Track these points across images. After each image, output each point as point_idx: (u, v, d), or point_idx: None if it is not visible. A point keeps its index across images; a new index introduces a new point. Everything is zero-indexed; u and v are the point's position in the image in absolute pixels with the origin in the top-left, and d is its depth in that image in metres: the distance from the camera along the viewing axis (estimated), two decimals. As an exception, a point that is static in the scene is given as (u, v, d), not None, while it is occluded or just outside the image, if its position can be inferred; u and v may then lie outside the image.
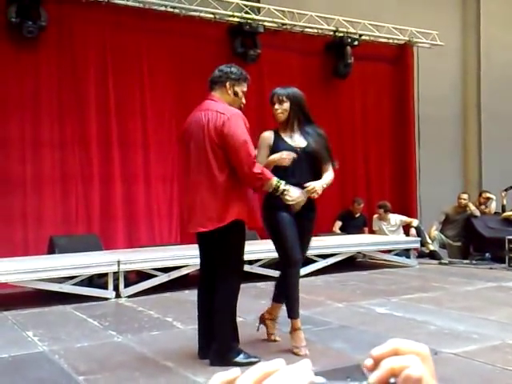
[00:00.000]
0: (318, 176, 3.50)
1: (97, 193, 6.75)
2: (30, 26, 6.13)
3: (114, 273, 5.39)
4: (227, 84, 3.36)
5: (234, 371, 0.47)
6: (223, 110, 3.24)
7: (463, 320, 4.29)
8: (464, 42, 10.44)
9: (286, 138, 3.55)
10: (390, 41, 8.93)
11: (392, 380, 0.45)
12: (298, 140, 3.54)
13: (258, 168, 3.21)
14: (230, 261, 3.36)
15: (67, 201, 6.60)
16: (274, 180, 3.27)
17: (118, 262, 5.38)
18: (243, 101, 3.45)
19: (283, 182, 3.30)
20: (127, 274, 5.60)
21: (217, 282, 3.34)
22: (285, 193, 3.30)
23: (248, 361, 3.24)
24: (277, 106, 3.54)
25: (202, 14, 7.40)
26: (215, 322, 3.31)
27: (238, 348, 3.33)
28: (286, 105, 3.53)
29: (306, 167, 3.48)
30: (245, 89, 3.43)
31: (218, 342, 3.29)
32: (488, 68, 10.22)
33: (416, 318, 4.38)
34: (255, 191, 3.40)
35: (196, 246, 6.52)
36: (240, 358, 3.27)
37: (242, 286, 5.80)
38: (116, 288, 5.40)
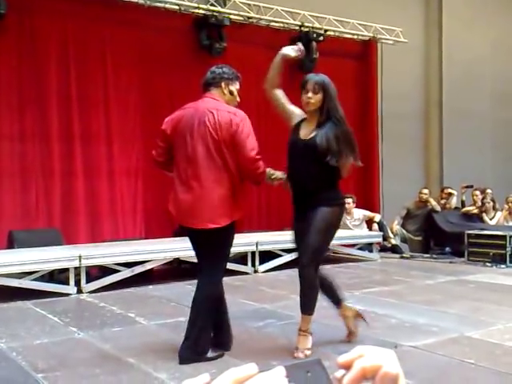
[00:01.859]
0: (325, 171, 3.39)
1: (58, 187, 6.61)
2: (-12, 13, 5.94)
3: (76, 268, 5.30)
4: (222, 84, 3.41)
5: (203, 377, 0.45)
6: (234, 110, 3.30)
7: (423, 313, 4.38)
8: (427, 40, 10.62)
9: (302, 128, 3.45)
10: (355, 37, 9.01)
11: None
12: (310, 133, 3.40)
13: (262, 167, 3.28)
14: (223, 258, 3.42)
15: (27, 195, 6.45)
16: (267, 170, 3.37)
17: (80, 256, 5.29)
18: (238, 99, 3.49)
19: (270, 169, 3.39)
20: (89, 269, 5.52)
21: (204, 278, 3.33)
22: (273, 177, 3.41)
23: (215, 355, 3.28)
24: (310, 95, 3.40)
25: (168, 6, 7.30)
26: (199, 318, 3.28)
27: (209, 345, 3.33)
28: (320, 96, 3.43)
29: (306, 161, 3.37)
30: (238, 87, 3.49)
31: (196, 338, 3.26)
32: (450, 65, 10.42)
33: (377, 312, 4.45)
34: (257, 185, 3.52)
35: (160, 240, 6.50)
36: (210, 354, 3.28)
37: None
38: (77, 283, 5.31)
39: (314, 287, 3.36)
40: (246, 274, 6.26)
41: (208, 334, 3.32)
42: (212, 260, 3.35)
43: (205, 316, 3.28)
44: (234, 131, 3.21)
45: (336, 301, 3.62)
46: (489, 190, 8.42)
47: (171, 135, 3.41)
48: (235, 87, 3.46)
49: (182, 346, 3.26)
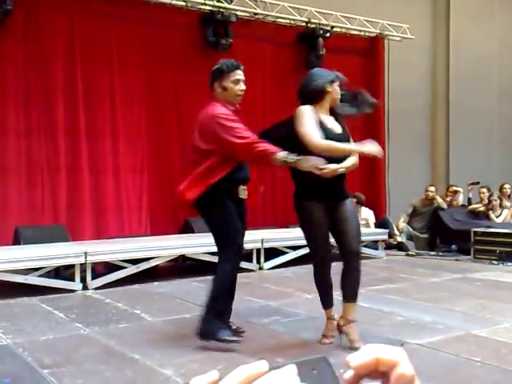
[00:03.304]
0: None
1: (64, 183, 6.62)
2: (-5, 9, 5.95)
3: (81, 264, 5.31)
4: (214, 84, 3.52)
5: (212, 374, 0.44)
6: (210, 112, 3.45)
7: (429, 311, 4.36)
8: (434, 36, 10.56)
9: (324, 120, 3.45)
10: (362, 33, 8.97)
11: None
12: (336, 127, 3.51)
13: (258, 151, 3.29)
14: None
15: (33, 191, 6.46)
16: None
17: (85, 253, 5.30)
18: (239, 88, 3.49)
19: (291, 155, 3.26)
20: (95, 265, 5.53)
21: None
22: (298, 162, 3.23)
23: (231, 339, 3.36)
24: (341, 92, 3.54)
25: (174, 2, 7.29)
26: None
27: (224, 325, 3.42)
28: None
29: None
30: (236, 77, 3.48)
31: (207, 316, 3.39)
32: (457, 62, 10.36)
33: (383, 309, 4.44)
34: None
35: (165, 237, 6.54)
36: (225, 335, 3.36)
37: (212, 277, 5.80)
38: (83, 280, 5.32)
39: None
40: (252, 271, 6.26)
41: (214, 314, 3.41)
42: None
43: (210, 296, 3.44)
44: (213, 131, 3.39)
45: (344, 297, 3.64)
46: (495, 195, 8.34)
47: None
48: (230, 80, 3.47)
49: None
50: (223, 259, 3.50)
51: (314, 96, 3.41)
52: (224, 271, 3.47)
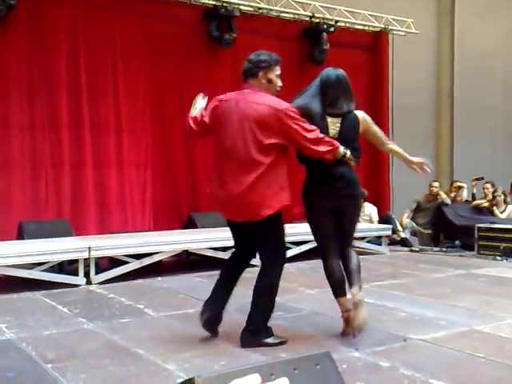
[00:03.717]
0: None
1: (68, 177, 6.62)
2: (-2, 4, 5.94)
3: (85, 259, 5.32)
4: (260, 74, 3.36)
5: (253, 378, 0.45)
6: (276, 103, 3.26)
7: (432, 306, 4.35)
8: (438, 31, 10.50)
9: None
10: (366, 28, 8.93)
11: None
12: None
13: (325, 145, 3.32)
14: None
15: (37, 185, 6.47)
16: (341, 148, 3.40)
17: (89, 248, 5.31)
18: (279, 84, 3.43)
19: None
20: (98, 260, 5.54)
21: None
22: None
23: (278, 341, 3.35)
24: None
25: (177, -3, 7.27)
26: (258, 302, 3.39)
27: (270, 330, 3.39)
28: None
29: None
30: (278, 72, 3.42)
31: (256, 322, 3.35)
32: (462, 57, 10.31)
33: (386, 305, 4.43)
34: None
35: (168, 232, 6.53)
36: (271, 340, 3.35)
37: (215, 273, 5.79)
38: (87, 274, 5.33)
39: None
40: (256, 266, 6.24)
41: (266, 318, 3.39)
42: None
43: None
44: (280, 124, 3.22)
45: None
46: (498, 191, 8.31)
47: (210, 125, 3.43)
48: (274, 73, 3.40)
49: (243, 331, 3.34)
50: (276, 264, 3.44)
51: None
52: (277, 277, 3.43)
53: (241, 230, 3.48)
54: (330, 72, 3.61)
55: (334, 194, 3.46)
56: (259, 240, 3.43)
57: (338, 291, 3.53)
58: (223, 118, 3.35)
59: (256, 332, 3.33)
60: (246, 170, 3.24)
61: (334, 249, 3.52)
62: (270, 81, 3.38)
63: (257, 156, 3.24)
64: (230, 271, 3.61)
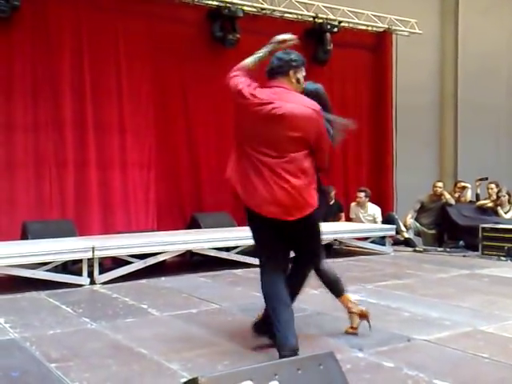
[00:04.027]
0: None
1: (71, 178, 6.64)
2: (3, 5, 5.97)
3: (89, 259, 5.33)
4: (290, 72, 3.30)
5: None
6: (310, 104, 3.22)
7: (436, 307, 4.34)
8: (442, 31, 10.49)
9: None
10: (369, 28, 8.93)
11: None
12: None
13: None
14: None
15: (41, 185, 6.49)
16: None
17: (93, 248, 5.31)
18: (303, 86, 3.41)
19: None
20: (102, 260, 5.55)
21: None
22: None
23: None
24: None
25: (181, -3, 7.28)
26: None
27: None
28: None
29: None
30: (304, 73, 3.39)
31: None
32: (465, 57, 10.30)
33: (390, 305, 4.42)
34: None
35: (172, 232, 6.52)
36: None
37: (218, 273, 5.80)
38: (90, 274, 5.34)
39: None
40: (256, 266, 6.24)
41: None
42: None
43: None
44: (315, 126, 3.20)
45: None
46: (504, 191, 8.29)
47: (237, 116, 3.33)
48: (302, 74, 3.37)
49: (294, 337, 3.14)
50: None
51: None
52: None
53: None
54: (309, 86, 3.57)
55: None
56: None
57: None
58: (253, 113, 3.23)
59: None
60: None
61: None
62: (298, 80, 3.34)
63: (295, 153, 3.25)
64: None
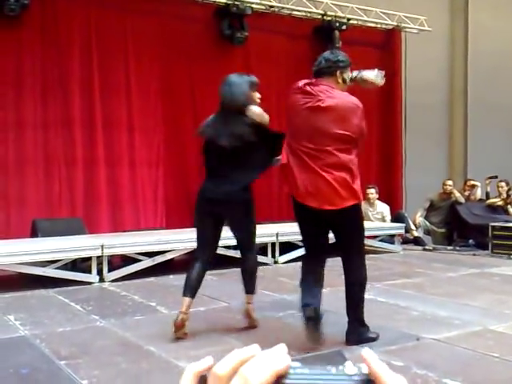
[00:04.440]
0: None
1: (81, 176, 6.67)
2: (12, 3, 5.99)
3: (98, 257, 5.35)
4: (337, 73, 3.44)
5: (206, 360, 0.46)
6: (353, 99, 3.41)
7: (446, 306, 4.32)
8: (452, 28, 10.42)
9: None
10: (378, 25, 8.88)
11: None
12: None
13: None
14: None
15: (50, 183, 6.52)
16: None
17: (102, 246, 5.33)
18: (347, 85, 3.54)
19: None
20: (111, 258, 5.57)
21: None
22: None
23: (375, 335, 3.38)
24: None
25: (189, -5, 7.28)
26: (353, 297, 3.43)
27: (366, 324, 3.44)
28: None
29: None
30: (350, 73, 3.54)
31: (355, 317, 3.39)
32: (475, 55, 10.21)
33: (399, 304, 4.40)
34: None
35: (181, 230, 6.55)
36: (371, 333, 3.39)
37: (226, 271, 5.81)
38: (100, 272, 5.36)
39: None
40: (267, 264, 6.25)
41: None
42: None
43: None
44: (357, 119, 3.36)
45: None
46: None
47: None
48: (348, 75, 3.51)
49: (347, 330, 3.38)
50: (361, 259, 3.49)
51: (237, 110, 3.48)
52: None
53: None
54: None
55: None
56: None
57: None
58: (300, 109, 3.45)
59: (357, 328, 3.37)
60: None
61: None
62: (344, 81, 3.49)
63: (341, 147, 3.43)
64: None
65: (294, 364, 0.44)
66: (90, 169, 6.71)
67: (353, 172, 3.36)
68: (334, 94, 3.35)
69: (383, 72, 3.68)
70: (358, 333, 3.35)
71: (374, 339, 3.36)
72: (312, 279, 3.43)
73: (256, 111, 3.50)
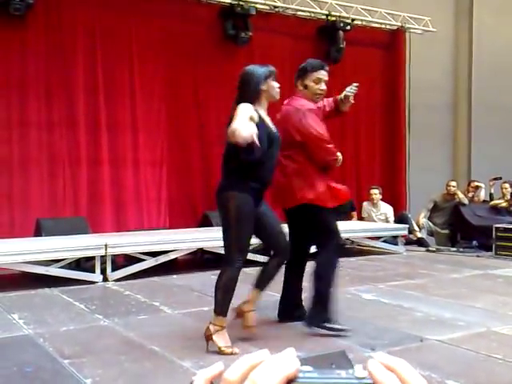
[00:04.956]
0: None
1: (85, 175, 6.68)
2: (17, 3, 6.00)
3: (102, 256, 5.36)
4: (298, 83, 3.72)
5: (217, 366, 0.47)
6: (298, 105, 3.63)
7: (449, 307, 4.31)
8: (456, 29, 10.40)
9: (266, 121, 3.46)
10: (383, 26, 8.87)
11: None
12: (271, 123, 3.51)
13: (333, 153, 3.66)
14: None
15: (54, 183, 6.53)
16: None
17: (106, 245, 5.34)
18: (319, 87, 3.68)
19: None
20: (115, 257, 5.58)
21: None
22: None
23: (336, 327, 3.51)
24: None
25: (193, -4, 7.28)
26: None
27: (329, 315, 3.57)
28: None
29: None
30: (317, 76, 3.67)
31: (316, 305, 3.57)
32: (480, 56, 10.19)
33: (402, 305, 4.40)
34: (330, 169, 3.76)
35: (184, 230, 6.60)
36: (331, 324, 3.52)
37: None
38: (103, 272, 5.37)
39: None
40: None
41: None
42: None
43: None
44: (298, 126, 3.58)
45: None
46: None
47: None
48: (311, 79, 3.67)
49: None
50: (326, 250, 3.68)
51: (250, 97, 3.31)
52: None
53: None
54: None
55: None
56: None
57: None
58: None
59: (315, 314, 3.55)
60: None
61: None
62: (305, 86, 3.69)
63: (292, 153, 3.71)
64: None
65: (303, 368, 0.44)
66: (94, 169, 6.73)
67: (303, 174, 3.62)
68: (294, 103, 3.66)
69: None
70: (313, 320, 3.54)
71: (329, 328, 3.49)
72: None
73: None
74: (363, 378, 0.44)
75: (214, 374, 0.46)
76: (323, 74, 3.67)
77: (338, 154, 3.71)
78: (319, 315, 3.53)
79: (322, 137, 3.58)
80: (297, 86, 3.72)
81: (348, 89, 3.79)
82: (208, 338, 3.22)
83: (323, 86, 3.66)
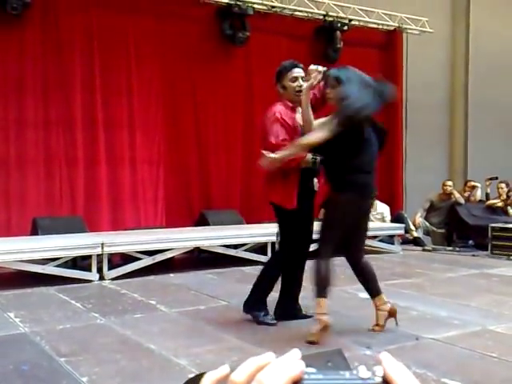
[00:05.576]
0: None
1: (81, 174, 6.68)
2: (14, 2, 6.00)
3: (98, 255, 5.36)
4: (277, 86, 3.83)
5: (223, 368, 0.47)
6: (272, 112, 3.73)
7: (445, 306, 4.33)
8: (453, 30, 10.42)
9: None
10: (380, 26, 8.89)
11: None
12: None
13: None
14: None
15: (51, 182, 6.53)
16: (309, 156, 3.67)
17: (102, 244, 5.34)
18: (297, 84, 3.73)
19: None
20: (111, 256, 5.58)
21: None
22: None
23: (267, 321, 3.69)
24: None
25: (191, -5, 7.28)
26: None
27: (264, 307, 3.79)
28: None
29: None
30: (293, 75, 3.76)
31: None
32: (476, 56, 10.22)
33: (398, 304, 4.39)
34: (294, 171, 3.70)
35: (180, 229, 6.61)
36: (261, 316, 3.73)
37: (226, 270, 5.82)
38: (100, 270, 5.37)
39: None
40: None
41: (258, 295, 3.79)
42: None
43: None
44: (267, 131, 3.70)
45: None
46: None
47: None
48: (286, 80, 3.76)
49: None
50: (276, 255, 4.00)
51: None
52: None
53: None
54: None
55: None
56: None
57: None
58: None
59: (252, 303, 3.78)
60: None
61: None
62: (284, 87, 3.77)
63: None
64: None
65: (308, 369, 0.45)
66: (91, 168, 6.72)
67: (275, 175, 3.68)
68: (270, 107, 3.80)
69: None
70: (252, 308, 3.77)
71: (260, 322, 3.71)
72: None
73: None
74: (367, 379, 0.44)
75: (220, 375, 0.47)
76: (298, 72, 3.75)
77: (309, 155, 3.64)
78: (256, 304, 3.78)
79: (278, 143, 3.61)
80: (277, 90, 3.82)
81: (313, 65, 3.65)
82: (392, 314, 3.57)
83: (301, 83, 3.72)
